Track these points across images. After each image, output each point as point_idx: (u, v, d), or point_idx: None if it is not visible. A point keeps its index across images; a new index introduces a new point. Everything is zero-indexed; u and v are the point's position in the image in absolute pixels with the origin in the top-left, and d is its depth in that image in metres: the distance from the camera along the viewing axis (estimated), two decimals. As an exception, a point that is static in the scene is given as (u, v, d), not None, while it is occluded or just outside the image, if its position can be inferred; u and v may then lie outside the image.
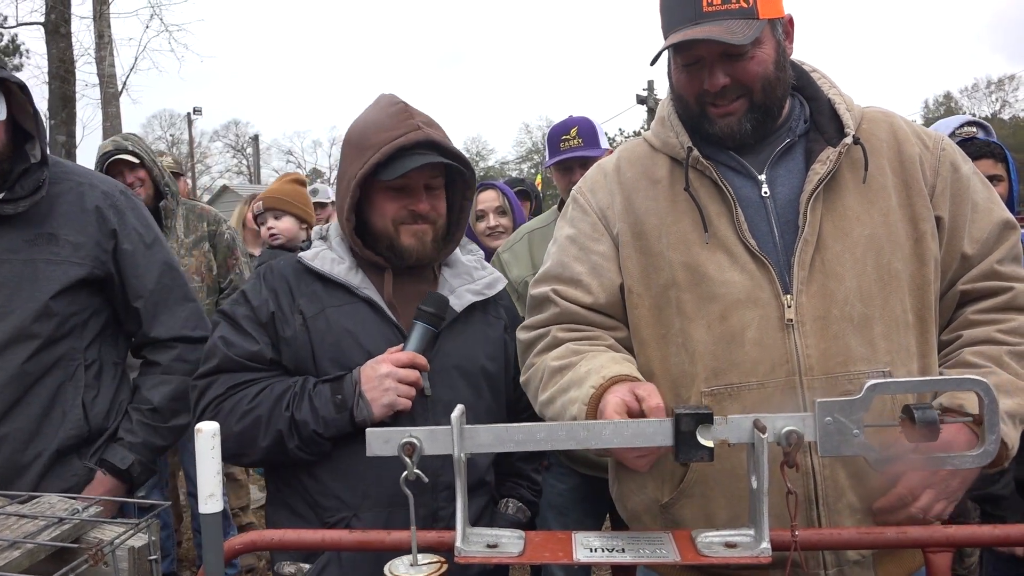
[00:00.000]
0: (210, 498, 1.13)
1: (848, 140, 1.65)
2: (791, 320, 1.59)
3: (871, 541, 1.40)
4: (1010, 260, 1.67)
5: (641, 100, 34.31)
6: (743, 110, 1.66)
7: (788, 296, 1.60)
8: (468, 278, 2.02)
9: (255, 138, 52.08)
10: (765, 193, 1.67)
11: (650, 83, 34.24)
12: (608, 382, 1.51)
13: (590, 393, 1.51)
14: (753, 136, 1.68)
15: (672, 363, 1.67)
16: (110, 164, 4.01)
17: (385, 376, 1.77)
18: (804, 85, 1.78)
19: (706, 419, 1.23)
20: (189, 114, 46.39)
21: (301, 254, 1.97)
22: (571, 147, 3.22)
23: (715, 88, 1.64)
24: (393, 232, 1.91)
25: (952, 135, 3.46)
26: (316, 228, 2.09)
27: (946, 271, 1.67)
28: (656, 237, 1.71)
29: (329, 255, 1.94)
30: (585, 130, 3.20)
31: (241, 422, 1.78)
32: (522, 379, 1.81)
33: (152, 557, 1.28)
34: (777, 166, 1.70)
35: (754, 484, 1.24)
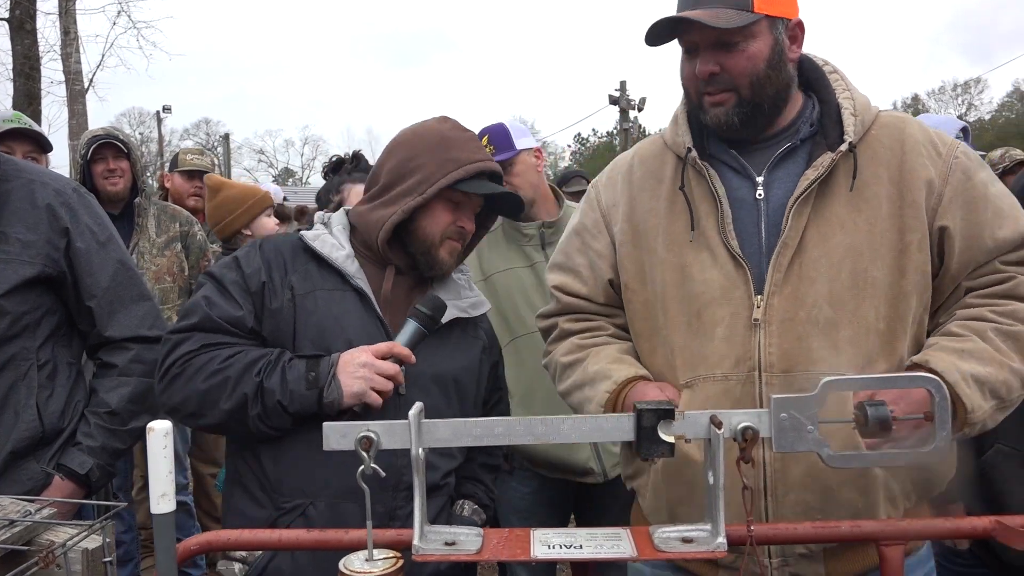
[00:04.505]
0: (162, 498, 1.12)
1: (843, 147, 1.64)
2: (757, 319, 1.61)
3: (826, 535, 1.42)
4: (1016, 261, 1.64)
5: (613, 100, 34.47)
6: (731, 103, 1.66)
7: (759, 296, 1.62)
8: (455, 295, 2.04)
9: (225, 137, 51.55)
10: (759, 195, 1.68)
11: (622, 83, 34.45)
12: (619, 386, 1.68)
13: (605, 397, 1.69)
14: (743, 131, 1.69)
15: (658, 356, 1.74)
16: (95, 148, 3.95)
17: (363, 365, 1.77)
18: (820, 87, 1.76)
19: (668, 414, 1.23)
20: (158, 112, 45.83)
21: (303, 232, 1.97)
22: None
23: (703, 75, 1.65)
24: (438, 242, 1.94)
25: None
26: (318, 214, 2.10)
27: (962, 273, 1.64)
28: (654, 236, 1.75)
29: (330, 239, 1.95)
30: (495, 137, 3.30)
31: (208, 380, 1.76)
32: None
33: (107, 559, 1.26)
34: (777, 168, 1.70)
35: (711, 479, 1.25)
